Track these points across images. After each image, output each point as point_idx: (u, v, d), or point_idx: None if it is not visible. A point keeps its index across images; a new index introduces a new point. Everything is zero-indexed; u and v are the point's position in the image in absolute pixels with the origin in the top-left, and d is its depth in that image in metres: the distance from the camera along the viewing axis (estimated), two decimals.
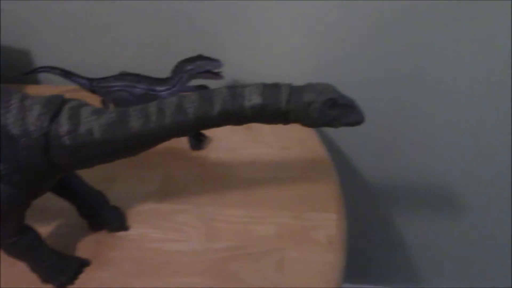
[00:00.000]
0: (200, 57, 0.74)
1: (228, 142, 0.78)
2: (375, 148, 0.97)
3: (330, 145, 0.97)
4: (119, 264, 0.60)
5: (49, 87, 0.90)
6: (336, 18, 0.80)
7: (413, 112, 0.90)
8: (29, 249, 0.56)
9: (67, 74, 0.79)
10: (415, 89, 0.87)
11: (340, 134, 0.96)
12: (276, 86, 0.49)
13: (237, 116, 0.49)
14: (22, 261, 0.57)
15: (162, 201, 0.68)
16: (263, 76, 0.89)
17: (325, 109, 0.48)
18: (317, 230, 0.63)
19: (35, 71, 0.81)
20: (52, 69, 0.79)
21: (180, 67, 0.74)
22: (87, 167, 0.52)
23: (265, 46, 0.86)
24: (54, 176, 0.54)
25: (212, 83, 0.88)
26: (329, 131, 0.96)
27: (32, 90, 0.90)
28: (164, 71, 0.84)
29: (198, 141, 0.77)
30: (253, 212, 0.66)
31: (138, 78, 0.75)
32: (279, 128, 0.80)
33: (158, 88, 0.75)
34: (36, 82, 0.94)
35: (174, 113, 0.48)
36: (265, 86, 0.48)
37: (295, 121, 0.49)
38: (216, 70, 0.75)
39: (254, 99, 0.48)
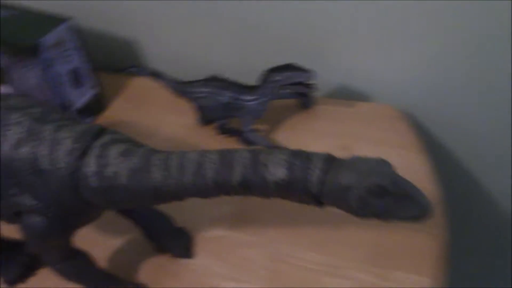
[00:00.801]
0: (290, 67, 0.64)
1: None
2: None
3: (445, 177, 0.80)
4: None
5: (148, 81, 0.88)
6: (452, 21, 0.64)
7: None
8: (79, 274, 0.54)
9: (156, 76, 0.75)
10: None
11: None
12: (307, 158, 0.37)
13: (259, 189, 0.39)
14: (78, 284, 0.55)
15: (233, 228, 0.62)
16: (370, 85, 0.76)
17: (370, 199, 0.35)
18: None
19: (126, 70, 0.79)
20: (142, 70, 0.76)
21: (269, 76, 0.65)
22: (121, 208, 0.47)
23: (374, 54, 0.72)
24: (94, 211, 0.50)
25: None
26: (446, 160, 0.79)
27: (137, 82, 0.88)
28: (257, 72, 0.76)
29: None
30: (330, 259, 0.56)
31: (226, 84, 0.68)
32: (380, 154, 0.67)
33: (245, 97, 0.67)
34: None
35: (194, 173, 0.40)
36: (294, 155, 0.37)
37: (330, 205, 0.38)
38: (308, 82, 0.65)
39: (277, 173, 0.37)
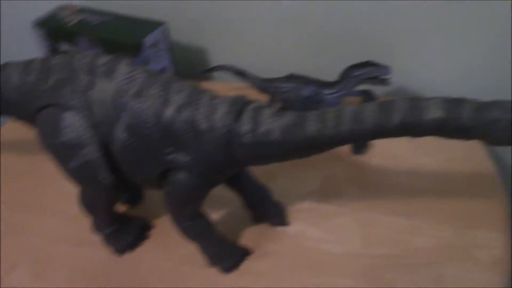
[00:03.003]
0: (369, 63, 0.75)
1: (390, 149, 0.77)
2: None
3: (498, 160, 0.92)
4: (277, 258, 0.64)
5: (223, 83, 0.97)
6: None
7: None
8: (201, 233, 0.62)
9: (240, 73, 0.84)
10: None
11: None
12: (460, 101, 0.47)
13: (416, 129, 0.48)
14: (195, 243, 0.63)
15: (321, 201, 0.70)
16: (428, 86, 0.87)
17: None
18: (480, 249, 0.60)
19: (212, 70, 0.88)
20: (227, 68, 0.85)
21: (349, 72, 0.75)
22: (264, 164, 0.56)
23: (434, 53, 0.83)
24: (232, 169, 0.58)
25: (378, 90, 0.88)
26: None
27: (207, 85, 0.97)
28: (329, 74, 0.86)
29: (361, 146, 0.77)
30: (413, 222, 0.65)
31: (306, 80, 0.78)
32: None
33: (325, 91, 0.77)
34: (210, 79, 1.01)
35: (352, 120, 0.49)
36: (448, 100, 0.47)
37: (479, 138, 0.48)
38: (383, 77, 0.75)
39: (435, 113, 0.47)
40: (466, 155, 0.74)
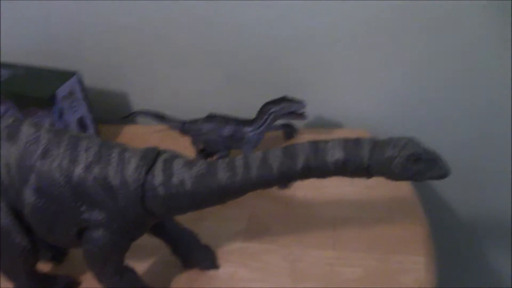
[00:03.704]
0: (284, 99, 0.76)
1: (313, 181, 0.78)
2: (463, 182, 0.93)
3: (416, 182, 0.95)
4: None
5: (144, 127, 0.96)
6: (419, 55, 0.80)
7: (501, 145, 0.87)
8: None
9: (160, 118, 0.84)
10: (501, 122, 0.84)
11: None
12: (358, 141, 0.49)
13: (319, 171, 0.50)
14: None
15: (249, 240, 0.70)
16: (344, 113, 0.90)
17: (409, 164, 0.48)
18: (405, 274, 0.62)
19: (131, 115, 0.87)
20: (146, 114, 0.85)
21: (266, 109, 0.77)
22: (179, 214, 0.56)
23: (346, 86, 0.86)
24: (149, 222, 0.57)
25: (298, 122, 0.90)
26: None
27: (129, 130, 0.96)
28: (249, 110, 0.87)
29: None
30: (340, 252, 0.67)
31: (226, 119, 0.78)
32: None
33: (245, 129, 0.78)
34: (131, 123, 1.00)
35: (259, 167, 0.50)
36: (347, 141, 0.49)
37: (378, 175, 0.50)
38: (299, 111, 0.77)
39: (336, 155, 0.49)
40: (385, 181, 0.76)
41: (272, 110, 0.76)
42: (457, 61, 0.80)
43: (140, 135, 0.94)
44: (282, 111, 0.76)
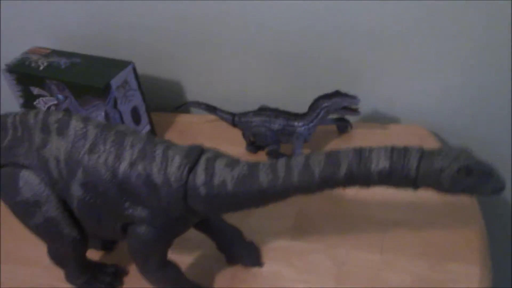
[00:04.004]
0: (337, 94, 0.74)
1: None
2: None
3: None
4: None
5: (197, 116, 0.97)
6: (479, 48, 0.74)
7: None
8: (171, 282, 0.61)
9: (211, 109, 0.83)
10: None
11: None
12: (405, 150, 0.46)
13: (363, 179, 0.48)
14: None
15: (295, 238, 0.69)
16: (401, 108, 0.86)
17: (459, 177, 0.44)
18: (456, 285, 0.59)
19: (183, 106, 0.87)
20: (198, 104, 0.85)
21: (318, 103, 0.75)
22: (222, 214, 0.55)
23: (403, 80, 0.82)
24: (192, 220, 0.57)
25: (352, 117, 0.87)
26: None
27: (181, 119, 0.97)
28: (301, 105, 0.85)
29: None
30: (387, 257, 0.64)
31: (276, 113, 0.77)
32: None
33: (295, 124, 0.76)
34: (184, 112, 1.01)
35: (301, 172, 0.49)
36: (394, 150, 0.47)
37: (426, 187, 0.47)
38: (353, 107, 0.74)
39: (381, 164, 0.46)
40: None
41: (325, 104, 0.74)
42: None
43: (192, 124, 0.94)
44: (335, 106, 0.74)
